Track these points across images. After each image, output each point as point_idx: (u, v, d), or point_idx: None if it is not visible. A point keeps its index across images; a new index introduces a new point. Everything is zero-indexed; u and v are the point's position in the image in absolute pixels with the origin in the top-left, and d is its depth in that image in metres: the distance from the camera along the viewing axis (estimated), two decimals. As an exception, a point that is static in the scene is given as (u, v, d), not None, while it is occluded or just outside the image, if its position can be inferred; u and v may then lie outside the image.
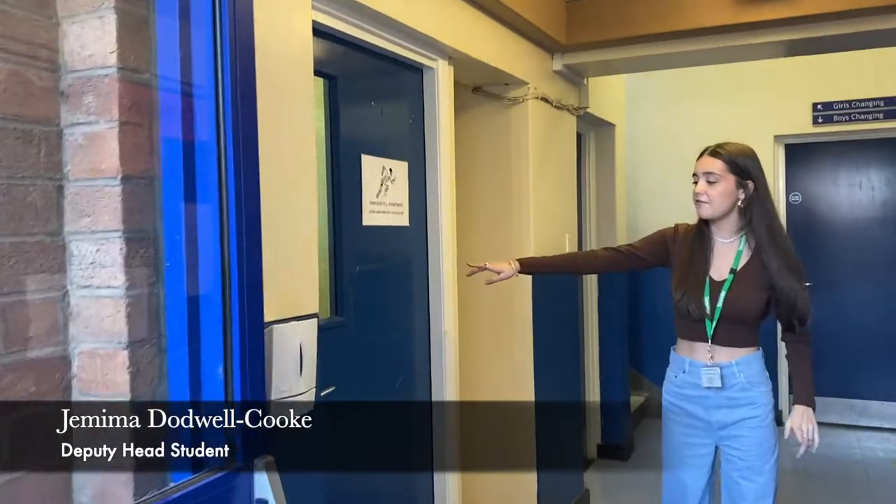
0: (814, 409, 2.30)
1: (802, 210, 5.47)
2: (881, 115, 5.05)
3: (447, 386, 2.66)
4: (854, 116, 5.13)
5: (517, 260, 2.60)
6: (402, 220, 2.53)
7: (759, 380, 2.35)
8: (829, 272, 5.25)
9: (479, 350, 3.46)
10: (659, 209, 5.62)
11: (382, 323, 2.41)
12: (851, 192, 5.32)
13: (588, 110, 4.23)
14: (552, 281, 3.52)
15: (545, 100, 3.50)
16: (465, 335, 3.43)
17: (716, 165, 2.30)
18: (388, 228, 2.43)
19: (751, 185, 2.31)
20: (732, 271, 2.36)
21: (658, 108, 5.69)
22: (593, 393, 4.82)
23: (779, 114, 5.34)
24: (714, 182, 2.29)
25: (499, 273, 2.50)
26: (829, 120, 5.20)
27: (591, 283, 4.79)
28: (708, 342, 2.33)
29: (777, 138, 5.39)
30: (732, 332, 2.36)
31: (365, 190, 2.30)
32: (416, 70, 2.64)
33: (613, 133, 4.83)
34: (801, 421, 2.28)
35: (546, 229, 3.54)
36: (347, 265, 2.23)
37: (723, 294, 2.35)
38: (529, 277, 3.35)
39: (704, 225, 2.39)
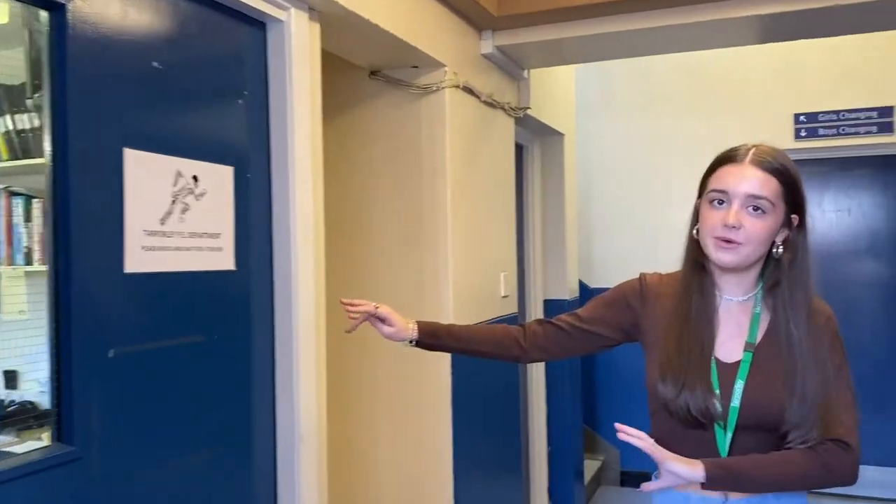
0: (707, 484, 1.36)
1: (779, 239, 4.66)
2: (874, 129, 4.28)
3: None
4: (842, 130, 4.35)
5: (418, 322, 1.66)
6: (221, 260, 1.54)
7: None
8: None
9: (370, 450, 2.48)
10: (619, 241, 4.77)
11: (165, 448, 1.41)
12: (839, 220, 4.52)
13: (531, 113, 3.32)
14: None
15: (470, 91, 2.57)
16: (344, 433, 2.46)
17: (770, 187, 1.40)
18: (186, 276, 1.44)
19: (796, 220, 1.44)
20: (750, 347, 1.45)
21: (616, 119, 4.84)
22: (539, 462, 3.87)
23: (755, 127, 4.52)
24: (762, 212, 1.39)
25: (383, 320, 1.63)
26: (813, 134, 4.41)
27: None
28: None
29: (752, 155, 4.57)
30: (759, 447, 1.43)
31: (131, 211, 1.31)
32: (253, 24, 1.67)
33: (563, 144, 3.94)
34: (675, 465, 1.36)
35: (472, 266, 2.59)
36: (88, 348, 1.23)
37: (739, 385, 1.43)
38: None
39: (703, 274, 1.48)
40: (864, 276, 4.45)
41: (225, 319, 1.56)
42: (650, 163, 4.72)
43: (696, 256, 1.47)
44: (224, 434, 1.55)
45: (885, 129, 4.25)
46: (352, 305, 1.62)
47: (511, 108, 3.00)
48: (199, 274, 1.47)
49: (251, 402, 1.64)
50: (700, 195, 1.47)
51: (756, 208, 1.38)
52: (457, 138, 2.46)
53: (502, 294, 2.88)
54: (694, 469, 1.35)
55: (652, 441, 1.37)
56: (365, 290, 2.48)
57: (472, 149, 2.62)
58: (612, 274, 4.80)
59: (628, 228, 4.75)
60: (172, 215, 1.40)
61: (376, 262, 2.47)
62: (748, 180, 1.39)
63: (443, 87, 2.38)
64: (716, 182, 1.42)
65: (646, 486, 1.43)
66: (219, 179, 1.53)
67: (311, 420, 1.72)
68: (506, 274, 2.92)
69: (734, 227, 1.38)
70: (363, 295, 2.46)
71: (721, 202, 1.40)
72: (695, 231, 1.47)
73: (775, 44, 4.46)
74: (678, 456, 1.38)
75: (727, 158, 1.44)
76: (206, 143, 1.52)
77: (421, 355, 2.41)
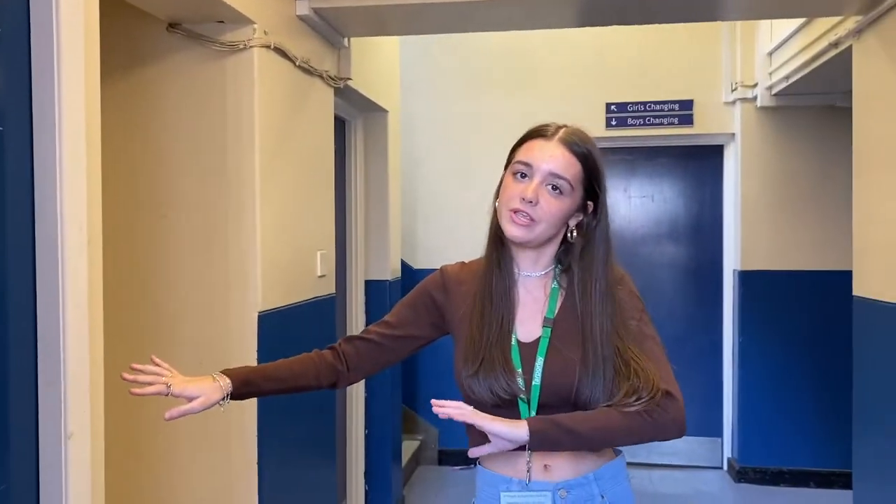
0: (532, 443, 1.31)
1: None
2: (676, 120, 4.58)
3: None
4: (648, 120, 4.62)
5: (224, 373, 1.49)
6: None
7: None
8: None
9: (165, 445, 2.25)
10: (443, 222, 4.77)
11: None
12: (644, 205, 4.81)
13: (353, 86, 3.19)
14: (287, 327, 2.41)
15: (283, 54, 2.38)
16: (137, 429, 2.21)
17: (573, 169, 1.40)
18: None
19: (590, 207, 1.45)
20: (548, 322, 1.44)
21: (440, 100, 4.82)
22: (357, 446, 3.78)
23: (571, 113, 4.63)
24: (560, 193, 1.39)
25: (189, 401, 1.42)
26: (622, 123, 4.65)
27: (356, 304, 3.75)
28: (525, 447, 1.36)
29: (568, 141, 4.74)
30: None
31: None
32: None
33: (387, 121, 3.83)
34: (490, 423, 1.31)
35: (285, 245, 2.42)
36: None
37: (539, 362, 1.41)
38: (244, 314, 2.22)
39: (502, 249, 1.46)
40: (665, 258, 4.78)
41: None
42: (473, 144, 4.75)
43: (497, 230, 1.44)
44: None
45: (685, 120, 4.57)
46: (136, 381, 1.43)
47: (330, 77, 2.84)
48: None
49: (8, 401, 1.38)
50: (506, 167, 1.44)
51: (555, 187, 1.38)
52: (268, 103, 2.27)
53: (319, 274, 2.73)
54: (517, 428, 1.31)
55: (471, 408, 1.31)
56: (159, 272, 2.23)
57: (286, 117, 2.44)
58: (436, 255, 4.80)
59: (453, 209, 4.76)
60: None
61: (172, 240, 2.23)
62: (554, 158, 1.38)
63: (251, 46, 2.17)
64: (522, 154, 1.40)
65: (473, 452, 1.37)
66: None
67: (82, 416, 1.48)
68: (323, 252, 2.77)
69: (530, 201, 1.36)
70: (155, 280, 2.22)
71: (524, 175, 1.39)
72: (496, 203, 1.45)
73: (591, 35, 4.65)
74: (501, 418, 1.33)
75: (537, 132, 1.42)
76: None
77: (222, 344, 2.22)
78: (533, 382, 1.40)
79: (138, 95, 2.23)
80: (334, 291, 2.91)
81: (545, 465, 1.40)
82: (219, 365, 2.19)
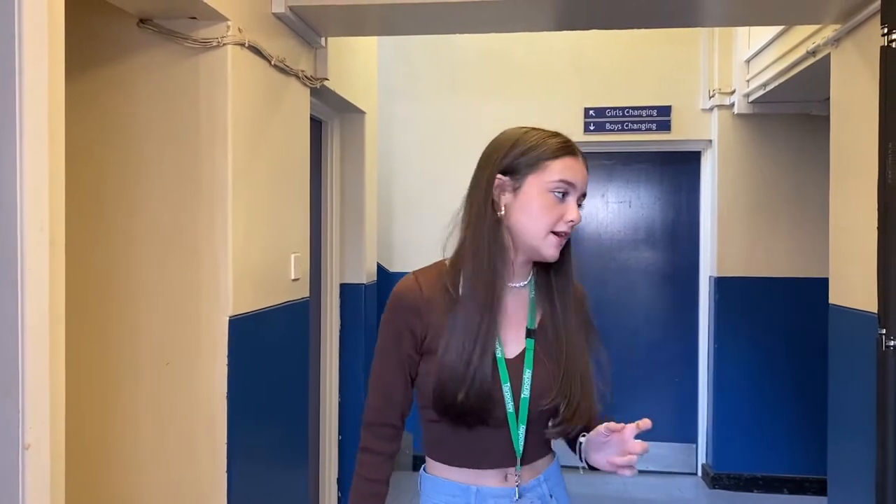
0: None
1: (569, 227, 4.87)
2: (654, 126, 4.59)
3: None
4: (626, 125, 4.62)
5: None
6: None
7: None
8: (593, 299, 4.69)
9: (132, 450, 2.18)
10: (420, 225, 4.73)
11: None
12: (621, 210, 4.81)
13: (330, 87, 3.14)
14: (259, 332, 2.35)
15: (258, 52, 2.33)
16: (102, 434, 2.16)
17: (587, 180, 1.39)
18: None
19: None
20: (531, 333, 1.40)
21: (419, 101, 4.79)
22: (330, 453, 3.72)
23: (549, 118, 4.64)
24: (580, 209, 1.37)
25: None
26: (601, 128, 4.64)
27: (331, 308, 3.70)
28: (516, 461, 1.35)
29: (547, 146, 4.72)
30: (540, 437, 1.41)
31: None
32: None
33: (364, 123, 3.79)
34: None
35: (257, 247, 2.36)
36: None
37: (527, 374, 1.36)
38: (215, 319, 2.16)
39: (505, 261, 1.36)
40: (642, 263, 4.78)
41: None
42: (451, 146, 4.72)
43: (502, 241, 1.35)
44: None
45: (663, 126, 4.57)
46: None
47: (307, 77, 2.79)
48: None
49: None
50: (513, 174, 1.34)
51: (580, 205, 1.36)
52: (241, 103, 2.22)
53: (293, 277, 2.67)
54: None
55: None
56: (127, 274, 2.17)
57: (261, 117, 2.39)
58: (412, 258, 4.76)
59: (429, 212, 4.72)
60: None
61: (141, 241, 2.16)
62: (586, 178, 1.36)
63: (224, 44, 2.12)
64: (563, 173, 1.32)
65: None
66: None
67: (41, 426, 1.42)
68: (297, 255, 2.72)
69: (574, 224, 1.34)
70: (125, 278, 2.15)
71: (564, 194, 1.33)
72: (501, 213, 1.34)
73: (570, 40, 4.65)
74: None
75: (567, 149, 1.34)
76: None
77: (191, 349, 2.15)
78: (522, 395, 1.35)
79: (107, 93, 2.16)
80: (308, 295, 2.85)
81: (518, 481, 1.38)
82: (187, 370, 2.14)
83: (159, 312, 2.16)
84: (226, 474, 2.15)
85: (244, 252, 2.24)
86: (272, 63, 2.43)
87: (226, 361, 2.15)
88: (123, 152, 2.16)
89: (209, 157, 2.14)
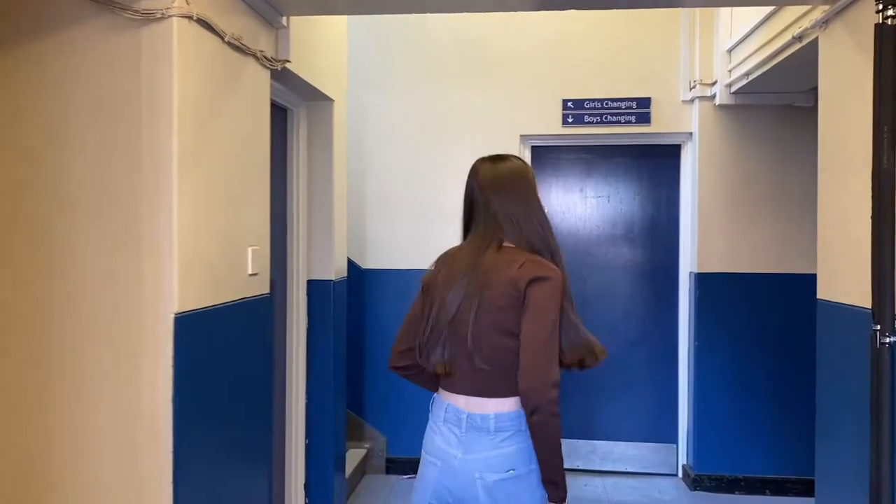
0: None
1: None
2: (633, 119, 4.46)
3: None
4: (605, 118, 4.49)
5: None
6: None
7: None
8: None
9: (62, 454, 1.99)
10: (395, 219, 4.56)
11: None
12: (600, 205, 4.68)
13: (296, 72, 2.97)
14: (212, 330, 2.17)
15: (209, 27, 2.14)
16: (17, 447, 1.97)
17: None
18: None
19: None
20: None
21: (394, 91, 4.62)
22: (297, 456, 3.55)
23: (526, 109, 4.54)
24: None
25: None
26: (579, 120, 4.50)
27: (297, 305, 3.52)
28: None
29: (524, 138, 4.59)
30: None
31: None
32: None
33: (332, 110, 3.61)
34: None
35: (209, 239, 2.18)
36: None
37: None
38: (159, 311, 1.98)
39: None
40: (620, 259, 4.65)
41: None
42: (427, 137, 4.56)
43: None
44: None
45: (642, 119, 4.45)
46: None
47: (266, 58, 2.61)
48: None
49: None
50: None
51: None
52: (190, 81, 2.04)
53: (250, 272, 2.49)
54: None
55: None
56: (56, 269, 1.98)
57: (213, 98, 2.21)
58: (386, 254, 4.59)
59: (405, 206, 4.56)
60: None
61: (77, 231, 1.97)
62: None
63: (169, 16, 1.93)
64: None
65: None
66: None
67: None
68: (255, 249, 2.54)
69: None
70: (51, 278, 1.96)
71: None
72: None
73: (549, 29, 4.51)
74: None
75: None
76: None
77: (135, 349, 1.97)
78: None
79: (38, 68, 1.97)
80: (269, 291, 2.67)
81: None
82: (133, 370, 1.96)
83: (96, 309, 1.97)
84: (171, 485, 1.97)
85: (192, 243, 2.06)
86: (226, 40, 2.25)
87: (171, 363, 1.97)
88: (56, 134, 1.97)
89: (152, 139, 1.96)
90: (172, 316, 1.97)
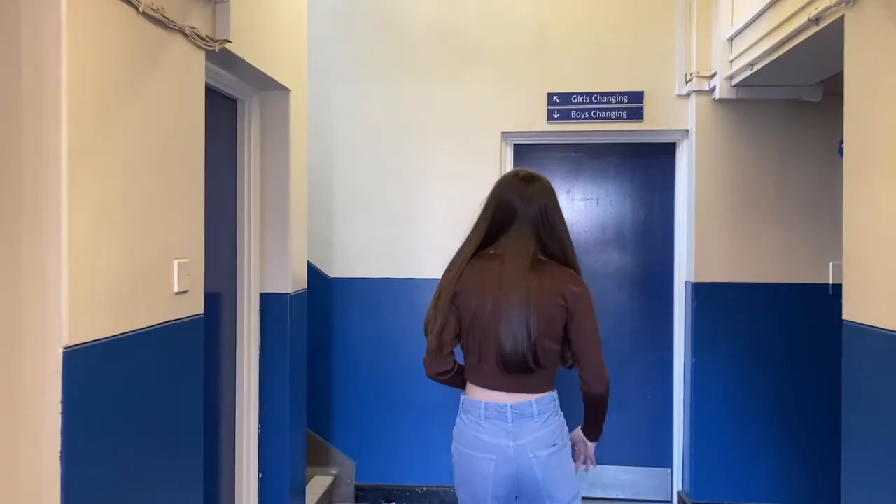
0: None
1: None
2: (624, 114, 4.09)
3: None
4: (594, 113, 4.12)
5: None
6: None
7: None
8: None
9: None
10: (362, 221, 4.17)
11: None
12: (588, 208, 4.31)
13: (242, 56, 2.57)
14: (119, 365, 1.75)
15: (115, -8, 1.74)
16: None
17: None
18: None
19: None
20: None
21: (363, 85, 4.22)
22: (249, 492, 3.14)
23: (507, 104, 4.16)
24: None
25: None
26: (566, 116, 4.13)
27: (249, 322, 3.12)
28: None
29: (505, 135, 4.20)
30: None
31: None
32: None
33: (288, 102, 3.21)
34: None
35: (116, 252, 1.77)
36: None
37: None
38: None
39: None
40: (610, 267, 4.28)
41: None
42: (399, 135, 4.17)
43: None
44: None
45: (634, 114, 4.08)
46: None
47: (199, 36, 2.21)
48: None
49: None
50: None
51: None
52: (86, 58, 1.63)
53: (177, 290, 2.09)
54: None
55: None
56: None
57: (122, 79, 1.80)
58: (355, 261, 4.19)
59: (374, 209, 4.16)
60: None
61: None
62: None
63: (53, -28, 1.54)
64: None
65: None
66: None
67: None
68: (184, 262, 2.13)
69: None
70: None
71: None
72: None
73: (533, 17, 4.13)
74: None
75: None
76: None
77: (16, 389, 1.56)
78: None
79: None
80: (202, 312, 2.27)
81: None
82: (16, 415, 1.56)
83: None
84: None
85: (90, 260, 1.65)
86: (140, 10, 1.85)
87: (59, 409, 1.56)
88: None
89: (33, 129, 1.55)
90: (61, 351, 1.57)
